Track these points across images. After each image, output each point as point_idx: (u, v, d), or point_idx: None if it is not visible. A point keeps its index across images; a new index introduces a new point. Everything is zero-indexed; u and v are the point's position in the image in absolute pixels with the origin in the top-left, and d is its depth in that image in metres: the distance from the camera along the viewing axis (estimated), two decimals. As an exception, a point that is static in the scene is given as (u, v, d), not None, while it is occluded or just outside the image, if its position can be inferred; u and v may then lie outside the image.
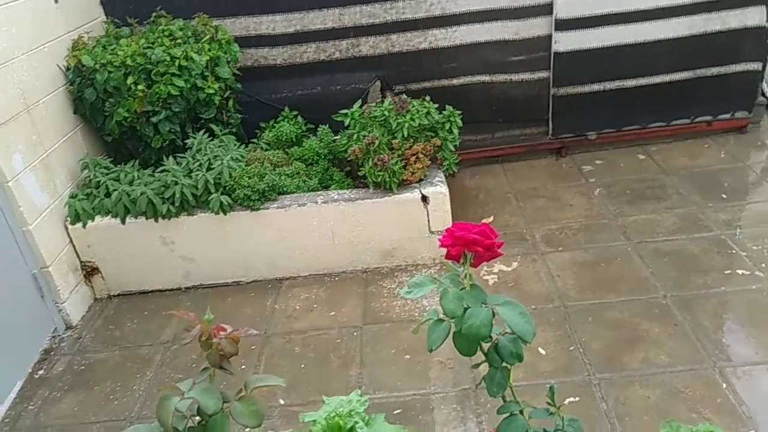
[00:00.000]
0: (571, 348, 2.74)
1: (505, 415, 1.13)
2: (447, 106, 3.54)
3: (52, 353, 3.15)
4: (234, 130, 3.80)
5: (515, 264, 3.37)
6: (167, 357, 3.03)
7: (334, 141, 3.67)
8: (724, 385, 2.44)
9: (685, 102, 4.28)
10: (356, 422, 1.06)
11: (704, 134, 4.40)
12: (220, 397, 1.00)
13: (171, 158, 3.46)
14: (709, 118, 4.36)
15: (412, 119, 3.41)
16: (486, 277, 3.27)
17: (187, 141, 3.54)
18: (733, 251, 3.22)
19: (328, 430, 1.07)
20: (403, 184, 3.38)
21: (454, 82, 4.19)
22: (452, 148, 3.51)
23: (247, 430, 1.48)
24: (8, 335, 2.96)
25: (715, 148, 4.29)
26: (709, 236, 3.37)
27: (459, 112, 3.53)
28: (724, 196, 3.73)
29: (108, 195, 3.37)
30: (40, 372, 3.03)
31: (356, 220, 3.40)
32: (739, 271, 3.07)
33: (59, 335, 3.26)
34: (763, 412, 2.30)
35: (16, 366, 3.01)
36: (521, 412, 1.13)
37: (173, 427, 0.95)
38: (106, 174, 3.46)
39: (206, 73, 3.52)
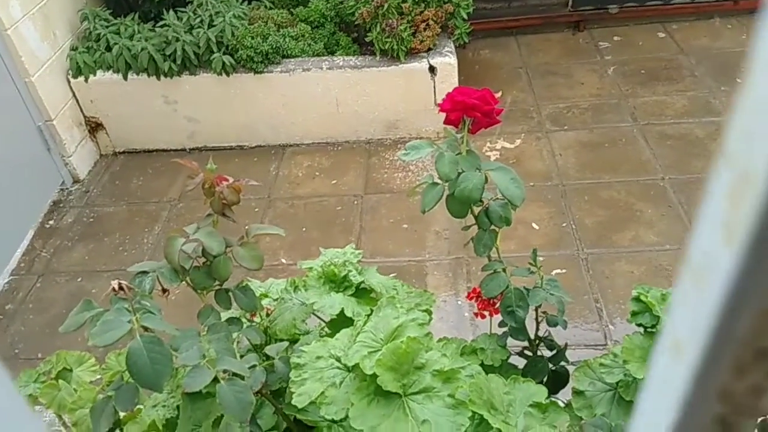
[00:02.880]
0: (564, 224, 2.82)
1: (489, 272, 1.20)
2: (462, -30, 3.35)
3: (61, 205, 3.26)
4: (237, -15, 3.62)
5: (518, 141, 3.37)
6: (173, 214, 3.14)
7: (341, 3, 3.50)
8: (707, 265, 2.54)
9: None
10: (350, 270, 1.14)
11: (729, 14, 4.19)
12: (223, 240, 1.06)
13: (171, 12, 3.34)
14: (738, -5, 4.12)
15: (425, -18, 3.23)
16: (488, 153, 3.29)
17: (188, -5, 3.40)
18: (739, 138, 3.20)
19: (323, 276, 1.14)
20: (411, 53, 3.28)
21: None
22: (465, 16, 3.37)
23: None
24: (18, 186, 3.05)
25: (738, 29, 4.10)
26: (716, 121, 3.33)
27: (474, -24, 3.34)
28: (739, 80, 3.63)
29: (109, 49, 3.30)
30: (51, 222, 3.16)
31: (361, 89, 3.34)
32: (741, 158, 3.07)
33: (67, 188, 3.35)
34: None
35: (28, 215, 3.13)
36: (504, 270, 1.20)
37: (180, 265, 1.02)
38: (106, 26, 3.35)
39: None
